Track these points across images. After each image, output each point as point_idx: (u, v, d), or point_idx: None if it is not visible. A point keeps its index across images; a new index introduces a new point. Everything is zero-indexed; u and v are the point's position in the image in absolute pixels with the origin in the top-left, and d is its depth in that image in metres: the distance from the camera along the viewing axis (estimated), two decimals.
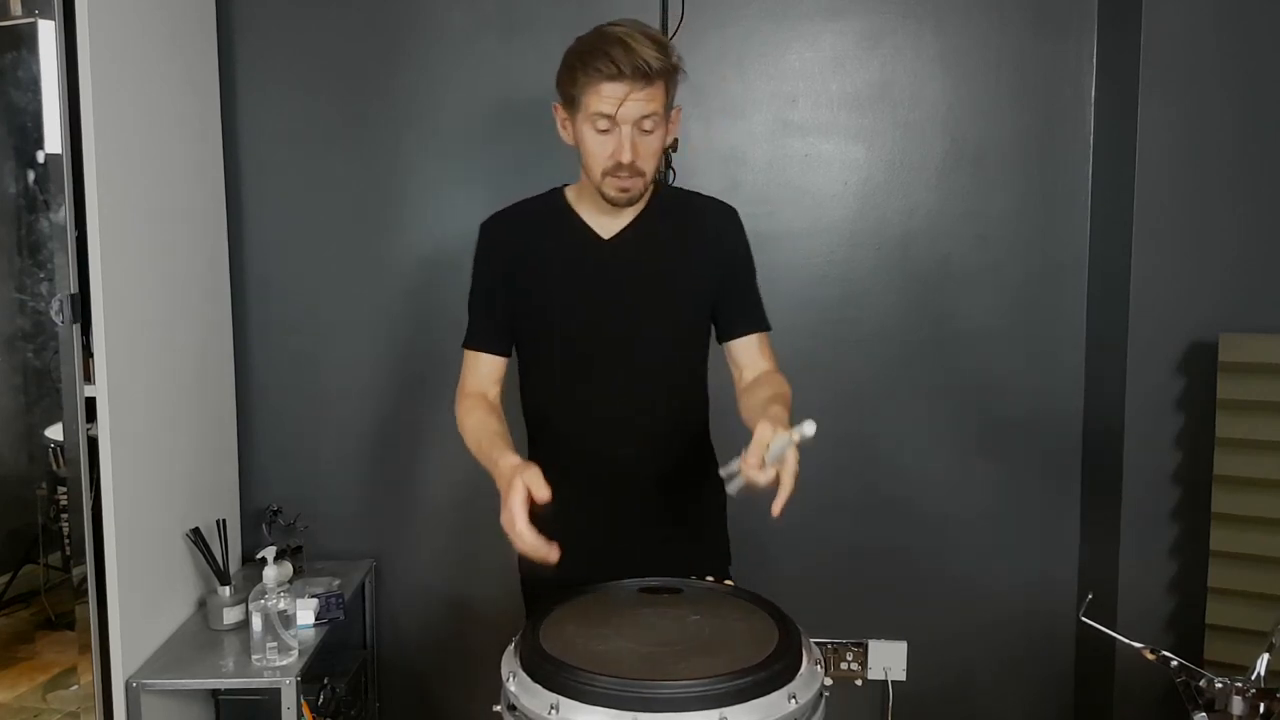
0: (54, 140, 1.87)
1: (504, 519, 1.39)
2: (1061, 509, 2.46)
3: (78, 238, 1.88)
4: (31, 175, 2.11)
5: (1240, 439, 2.01)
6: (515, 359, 1.72)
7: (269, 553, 2.13)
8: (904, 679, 2.50)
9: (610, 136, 1.53)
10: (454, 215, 2.49)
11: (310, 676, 2.05)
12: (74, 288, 1.88)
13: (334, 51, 2.46)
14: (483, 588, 2.57)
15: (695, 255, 1.66)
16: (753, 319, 1.70)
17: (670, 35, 2.13)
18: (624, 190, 1.57)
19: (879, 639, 2.49)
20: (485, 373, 1.69)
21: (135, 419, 2.00)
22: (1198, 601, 2.09)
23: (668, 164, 2.14)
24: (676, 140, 2.14)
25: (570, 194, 1.69)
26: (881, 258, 2.42)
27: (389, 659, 2.60)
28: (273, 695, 1.97)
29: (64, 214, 1.87)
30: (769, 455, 1.32)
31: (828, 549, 2.49)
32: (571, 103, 1.57)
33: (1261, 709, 1.30)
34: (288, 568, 2.20)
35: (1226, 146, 2.10)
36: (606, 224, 1.65)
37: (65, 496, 1.97)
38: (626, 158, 1.52)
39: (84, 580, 1.93)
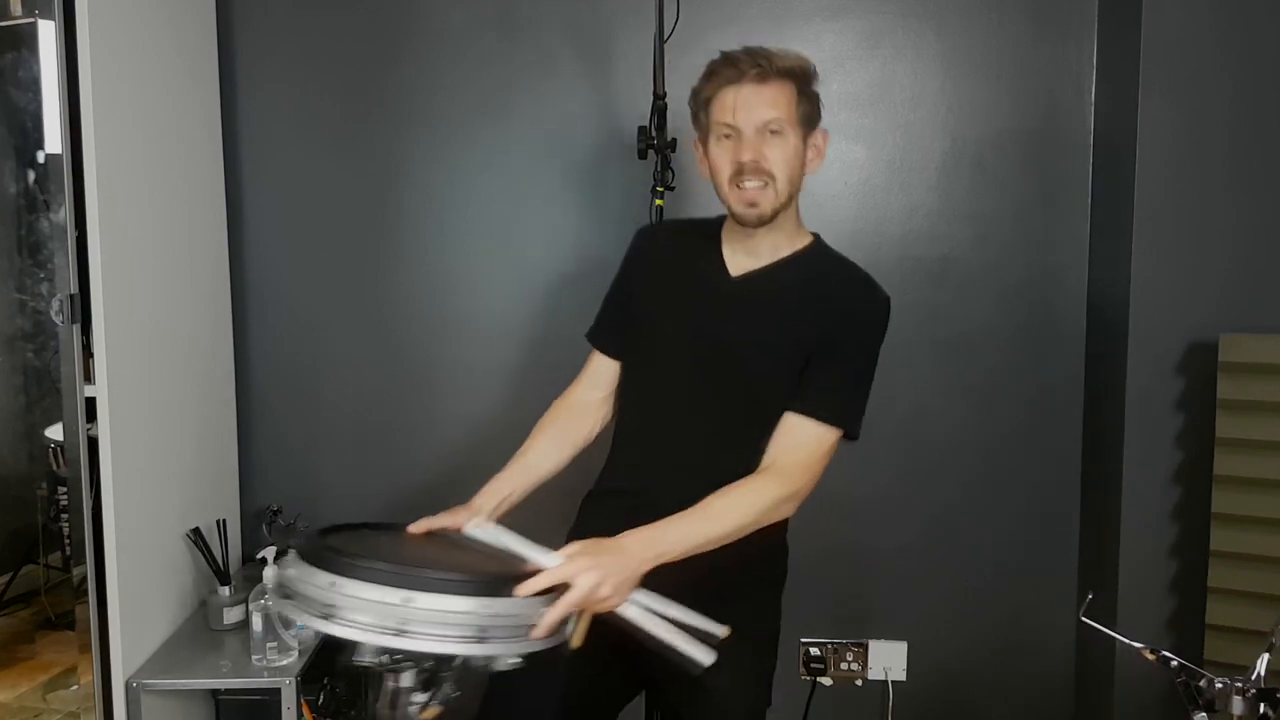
0: (54, 140, 1.87)
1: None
2: (1062, 509, 2.45)
3: (78, 238, 1.88)
4: (31, 175, 2.11)
5: (1240, 439, 2.01)
6: None
7: (269, 553, 2.13)
8: (904, 679, 2.50)
9: (732, 142, 1.49)
10: (454, 215, 2.49)
11: (310, 676, 2.05)
12: (74, 288, 1.88)
13: (334, 51, 2.46)
14: None
15: (807, 322, 1.53)
16: (809, 401, 1.51)
17: (667, 36, 2.13)
18: (751, 204, 1.49)
19: (879, 639, 2.49)
20: (597, 371, 1.70)
21: (135, 419, 2.00)
22: (1198, 601, 2.09)
23: (667, 164, 2.13)
24: (675, 140, 2.13)
25: (726, 224, 1.62)
26: (881, 258, 2.42)
27: None
28: (273, 695, 1.97)
29: (64, 214, 1.87)
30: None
31: (828, 549, 2.49)
32: (702, 127, 1.54)
33: (1261, 709, 1.30)
34: None
35: (1226, 146, 2.10)
36: (741, 262, 1.58)
37: (65, 496, 1.97)
38: (746, 156, 1.46)
39: (84, 580, 1.93)
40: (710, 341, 1.56)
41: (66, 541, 2.02)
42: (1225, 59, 2.09)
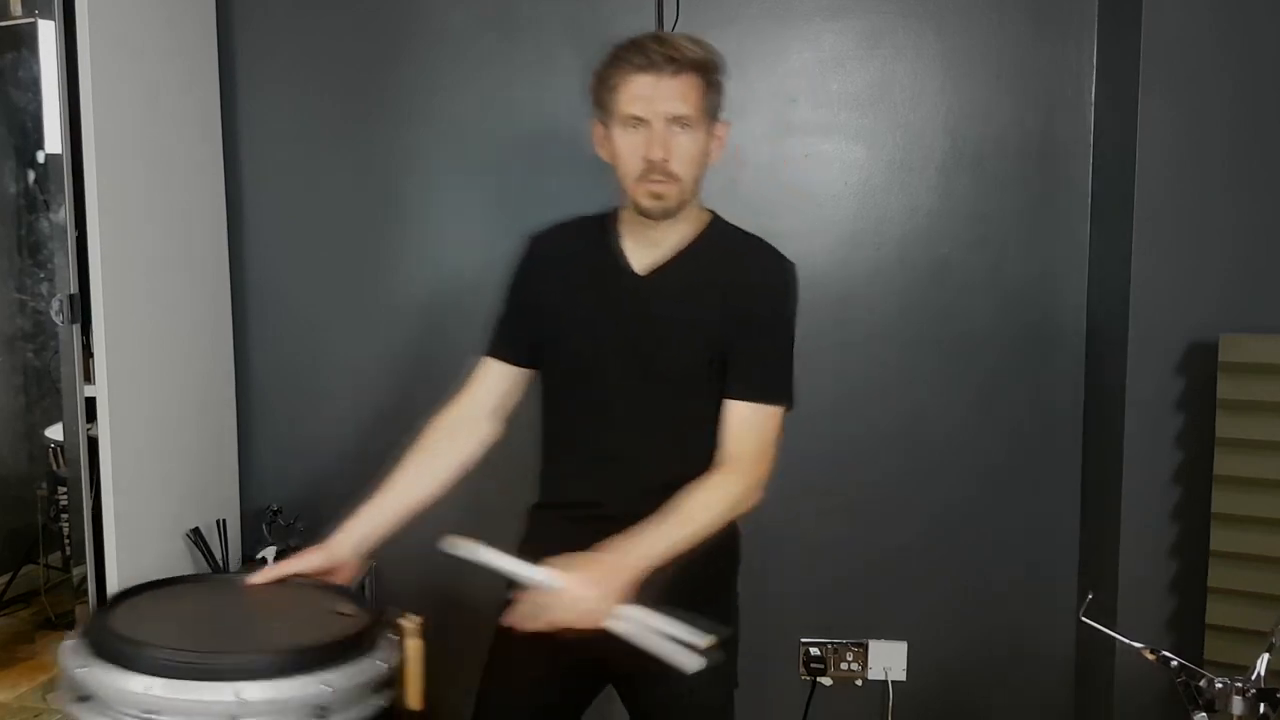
0: (54, 140, 1.87)
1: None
2: (1061, 509, 2.45)
3: (78, 238, 1.88)
4: (31, 175, 2.11)
5: (1240, 439, 2.01)
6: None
7: (269, 553, 2.13)
8: (904, 679, 2.50)
9: (640, 134, 1.45)
10: (454, 215, 2.49)
11: None
12: (74, 288, 1.88)
13: (334, 51, 2.46)
14: (482, 588, 2.57)
15: (722, 307, 1.54)
16: (748, 386, 1.52)
17: None
18: (657, 197, 1.47)
19: (879, 639, 2.49)
20: (488, 384, 1.63)
21: (135, 419, 2.00)
22: (1198, 601, 2.09)
23: None
24: None
25: (623, 216, 1.59)
26: (881, 258, 2.42)
27: None
28: None
29: (64, 214, 1.87)
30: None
31: (828, 549, 2.49)
32: (605, 110, 1.50)
33: (1261, 709, 1.30)
34: None
35: (1226, 146, 2.10)
36: (644, 255, 1.56)
37: (65, 496, 1.97)
38: (657, 154, 1.44)
39: (84, 580, 1.94)
40: (631, 342, 1.54)
41: (66, 541, 2.02)
42: (1225, 59, 2.09)
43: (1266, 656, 1.34)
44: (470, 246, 2.50)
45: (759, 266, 1.58)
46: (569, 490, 1.63)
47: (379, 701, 1.31)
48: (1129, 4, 2.15)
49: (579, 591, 1.33)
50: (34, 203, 2.10)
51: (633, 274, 1.56)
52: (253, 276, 2.52)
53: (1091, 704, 2.41)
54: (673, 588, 1.41)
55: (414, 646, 1.50)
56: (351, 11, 2.45)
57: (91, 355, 1.90)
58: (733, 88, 2.42)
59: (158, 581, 1.51)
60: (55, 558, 2.18)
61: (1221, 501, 2.04)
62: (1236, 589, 2.03)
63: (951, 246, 2.41)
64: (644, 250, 1.56)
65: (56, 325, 1.90)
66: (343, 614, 1.42)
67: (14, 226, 2.19)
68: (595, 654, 1.46)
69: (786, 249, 2.47)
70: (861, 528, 2.49)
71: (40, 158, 1.93)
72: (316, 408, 2.55)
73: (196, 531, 2.21)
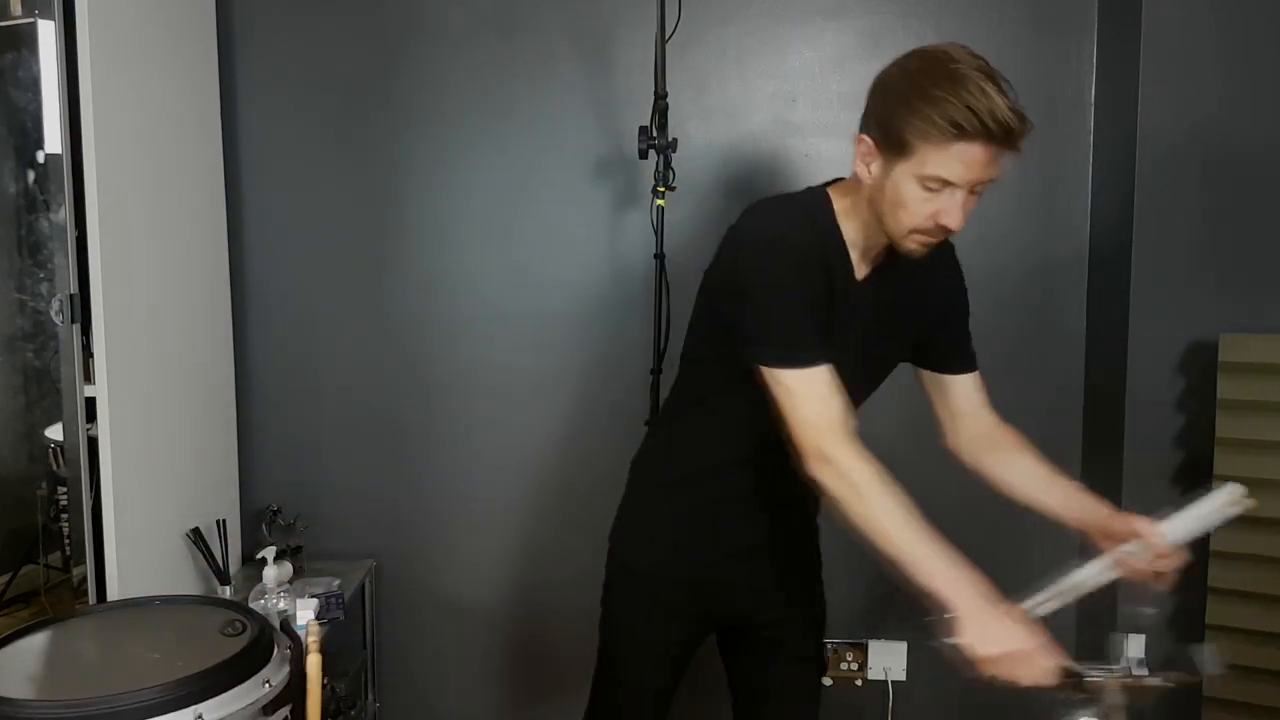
0: (54, 140, 1.87)
1: (1027, 675, 1.37)
2: None
3: (78, 238, 1.88)
4: (31, 175, 2.11)
5: (1240, 439, 2.01)
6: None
7: (269, 553, 2.13)
8: (904, 679, 2.50)
9: (938, 196, 1.31)
10: (454, 215, 2.49)
11: None
12: (74, 288, 1.88)
13: (334, 51, 2.46)
14: (482, 588, 2.58)
15: (925, 303, 1.57)
16: (969, 358, 1.67)
17: (669, 35, 2.13)
18: (927, 246, 1.40)
19: (879, 639, 2.49)
20: (839, 394, 1.41)
21: (135, 419, 1.99)
22: (1198, 601, 2.09)
23: (668, 164, 2.13)
24: (676, 140, 2.13)
25: (837, 207, 1.47)
26: None
27: (389, 659, 2.60)
28: None
29: (64, 214, 1.86)
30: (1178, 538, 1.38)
31: (828, 549, 2.48)
32: (896, 146, 1.33)
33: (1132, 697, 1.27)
34: (288, 568, 2.20)
35: (1226, 146, 2.10)
36: (858, 259, 1.47)
37: (65, 496, 1.97)
38: (956, 225, 1.32)
39: (84, 580, 1.93)
40: (844, 350, 1.46)
41: (66, 541, 2.02)
42: (1225, 59, 2.09)
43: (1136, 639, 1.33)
44: (470, 247, 2.50)
45: (939, 257, 1.50)
46: (751, 482, 1.62)
47: None
48: (1129, 4, 2.15)
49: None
50: (34, 203, 2.10)
51: (853, 279, 1.48)
52: (253, 276, 2.52)
53: None
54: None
55: (313, 662, 1.44)
56: (351, 11, 2.44)
57: (91, 355, 1.90)
58: (733, 88, 2.44)
59: (40, 622, 1.50)
60: (55, 558, 2.17)
61: None
62: (1236, 589, 2.03)
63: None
64: (858, 255, 1.48)
65: (56, 325, 1.89)
66: (231, 633, 1.39)
67: (14, 226, 2.18)
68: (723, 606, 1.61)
69: None
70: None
71: (40, 158, 1.93)
72: (316, 408, 2.55)
73: (196, 531, 2.21)
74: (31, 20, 1.86)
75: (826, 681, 2.51)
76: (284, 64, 2.47)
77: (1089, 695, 1.24)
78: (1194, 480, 2.12)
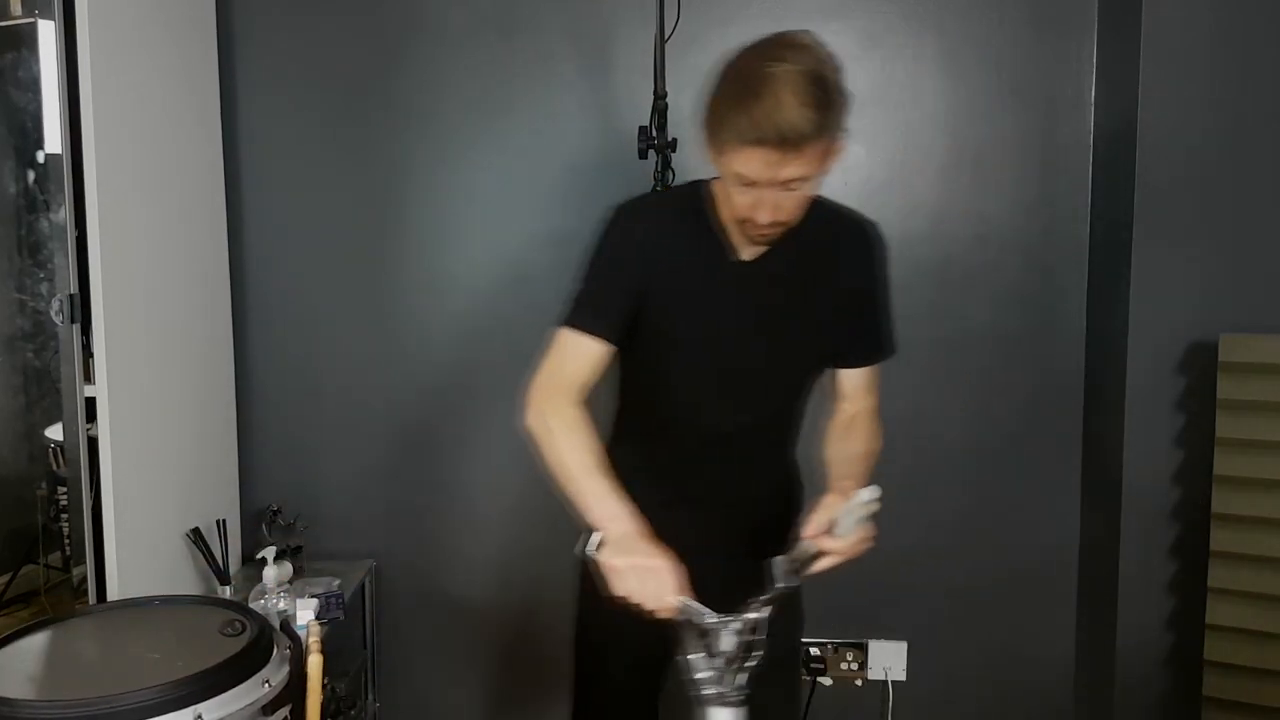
0: (54, 140, 1.87)
1: (650, 593, 1.30)
2: (1061, 509, 2.45)
3: (78, 238, 1.88)
4: (31, 175, 2.11)
5: (1240, 439, 2.01)
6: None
7: (269, 553, 2.13)
8: (904, 679, 2.50)
9: (750, 191, 1.37)
10: (454, 215, 2.49)
11: None
12: (74, 288, 1.88)
13: (334, 51, 2.46)
14: (482, 588, 2.58)
15: (833, 287, 1.57)
16: (872, 348, 1.63)
17: (669, 35, 2.13)
18: (761, 236, 1.44)
19: (879, 639, 2.49)
20: (586, 363, 1.48)
21: (135, 419, 2.00)
22: (1198, 601, 2.09)
23: (667, 164, 2.13)
24: (675, 140, 2.13)
25: (718, 194, 1.51)
26: None
27: (389, 659, 2.60)
28: None
29: (64, 214, 1.87)
30: (838, 529, 1.42)
31: None
32: (713, 143, 1.39)
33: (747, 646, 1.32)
34: (288, 568, 2.20)
35: (1226, 146, 2.10)
36: (741, 240, 1.51)
37: (65, 496, 1.97)
38: (765, 219, 1.38)
39: (84, 580, 1.93)
40: (746, 334, 1.57)
41: (66, 541, 2.02)
42: (1225, 59, 2.09)
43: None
44: (470, 246, 2.50)
45: (850, 238, 1.61)
46: (668, 468, 1.63)
47: None
48: (1129, 4, 2.15)
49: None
50: (34, 203, 2.10)
51: (740, 263, 1.52)
52: (253, 276, 2.52)
53: (1091, 704, 2.41)
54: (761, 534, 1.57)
55: (314, 663, 1.44)
56: (351, 11, 2.45)
57: (91, 355, 1.90)
58: None
59: (43, 621, 1.51)
60: (55, 558, 2.17)
61: (1221, 501, 2.04)
62: (1236, 589, 2.03)
63: (951, 246, 2.41)
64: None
65: (56, 325, 1.89)
66: (231, 633, 1.39)
67: (14, 226, 2.18)
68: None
69: None
70: None
71: (40, 158, 1.93)
72: (316, 408, 2.55)
73: (196, 531, 2.21)
74: (31, 20, 1.86)
75: (826, 682, 2.51)
76: (284, 64, 2.47)
77: (705, 633, 1.31)
78: (1194, 480, 2.12)
